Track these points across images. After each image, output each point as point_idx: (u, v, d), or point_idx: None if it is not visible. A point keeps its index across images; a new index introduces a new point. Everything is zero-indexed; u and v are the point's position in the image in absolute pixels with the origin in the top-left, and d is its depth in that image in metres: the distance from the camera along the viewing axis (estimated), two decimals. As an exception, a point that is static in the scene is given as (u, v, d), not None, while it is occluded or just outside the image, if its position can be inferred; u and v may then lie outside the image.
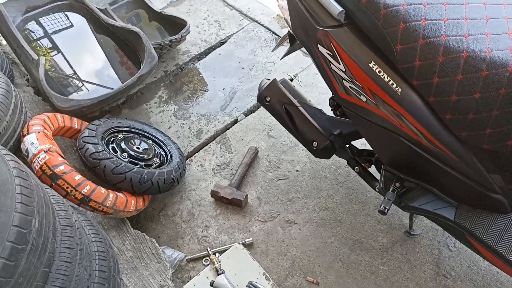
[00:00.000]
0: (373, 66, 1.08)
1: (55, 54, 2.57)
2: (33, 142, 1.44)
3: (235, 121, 2.13)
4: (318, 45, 1.19)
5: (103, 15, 2.31)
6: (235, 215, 1.76)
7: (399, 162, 1.26)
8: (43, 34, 2.65)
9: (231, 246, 1.59)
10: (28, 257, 0.91)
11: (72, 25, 2.68)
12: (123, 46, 2.30)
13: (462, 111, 0.98)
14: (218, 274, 1.45)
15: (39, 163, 1.39)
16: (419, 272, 1.52)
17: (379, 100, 1.11)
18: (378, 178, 1.45)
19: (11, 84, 1.63)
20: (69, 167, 1.44)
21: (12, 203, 0.91)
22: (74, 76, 2.43)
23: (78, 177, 1.43)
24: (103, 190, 1.48)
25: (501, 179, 1.10)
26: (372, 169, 1.49)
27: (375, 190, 1.44)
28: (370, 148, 1.52)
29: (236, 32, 2.60)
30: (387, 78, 1.06)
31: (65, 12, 2.56)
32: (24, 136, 1.49)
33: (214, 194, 1.79)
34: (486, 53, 0.92)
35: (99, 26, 2.37)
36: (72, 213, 1.20)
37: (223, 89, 2.30)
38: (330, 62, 1.19)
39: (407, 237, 1.61)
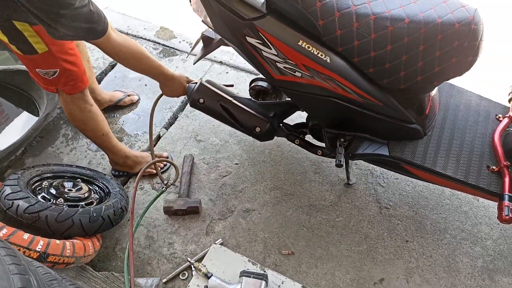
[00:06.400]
0: (302, 43, 1.24)
1: None
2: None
3: (159, 137, 2.10)
4: (246, 37, 1.31)
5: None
6: (194, 223, 1.77)
7: (336, 121, 1.46)
8: None
9: (209, 248, 1.60)
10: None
11: None
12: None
13: (381, 63, 1.22)
14: (208, 278, 1.45)
15: (-26, 235, 1.19)
16: (366, 212, 1.77)
17: (313, 72, 1.28)
18: (317, 145, 1.65)
19: None
20: (11, 228, 1.26)
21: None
22: None
23: (26, 236, 1.27)
24: (57, 241, 1.34)
25: (413, 111, 1.39)
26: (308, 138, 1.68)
27: (317, 154, 1.64)
28: (299, 122, 1.71)
29: (124, 52, 2.53)
30: (316, 51, 1.24)
31: None
32: None
33: (167, 210, 1.76)
34: (387, 12, 1.17)
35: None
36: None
37: (134, 109, 2.24)
38: (261, 49, 1.31)
39: (347, 188, 1.85)
